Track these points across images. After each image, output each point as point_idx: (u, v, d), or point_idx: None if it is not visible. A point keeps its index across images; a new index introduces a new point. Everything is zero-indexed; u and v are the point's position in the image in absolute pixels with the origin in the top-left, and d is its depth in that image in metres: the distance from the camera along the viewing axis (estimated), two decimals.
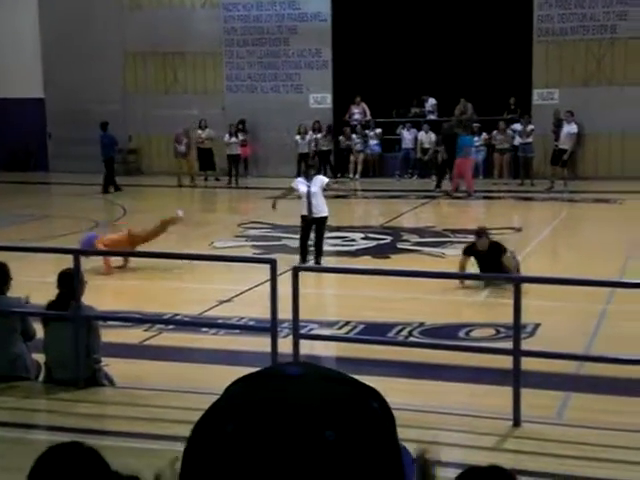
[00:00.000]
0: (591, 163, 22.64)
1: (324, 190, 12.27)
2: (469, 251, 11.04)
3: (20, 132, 26.56)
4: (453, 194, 20.20)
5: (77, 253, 7.45)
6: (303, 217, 12.14)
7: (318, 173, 12.74)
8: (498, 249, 10.81)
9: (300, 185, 12.14)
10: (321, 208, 12.07)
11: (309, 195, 11.95)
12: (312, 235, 12.21)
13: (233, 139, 23.47)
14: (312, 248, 12.22)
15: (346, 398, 0.93)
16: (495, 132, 22.71)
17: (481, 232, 11.11)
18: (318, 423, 0.89)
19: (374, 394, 0.97)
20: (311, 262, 12.02)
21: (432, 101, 24.57)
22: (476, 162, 22.46)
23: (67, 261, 7.45)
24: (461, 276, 10.78)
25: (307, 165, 12.68)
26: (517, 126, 22.49)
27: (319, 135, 23.62)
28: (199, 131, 23.84)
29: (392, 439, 0.95)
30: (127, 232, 12.39)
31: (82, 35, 25.44)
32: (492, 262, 10.43)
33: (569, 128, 21.16)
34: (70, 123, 25.67)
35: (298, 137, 23.43)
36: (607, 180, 21.42)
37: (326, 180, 12.59)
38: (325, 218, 12.21)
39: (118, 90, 25.75)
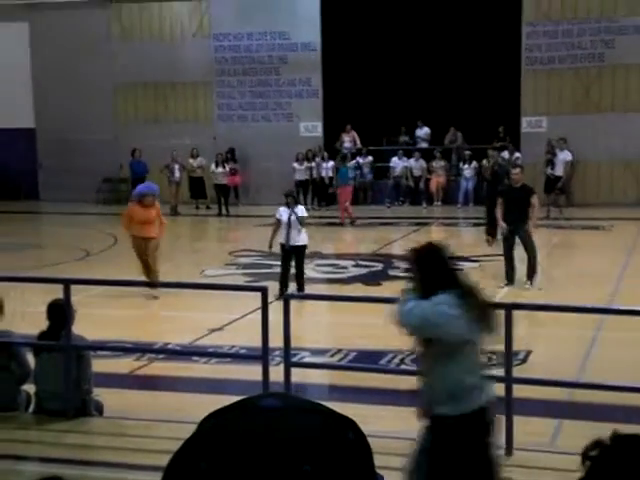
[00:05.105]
0: (579, 190, 22.74)
1: (300, 224, 11.98)
2: (502, 193, 12.48)
3: (11, 161, 26.58)
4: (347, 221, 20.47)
5: (67, 282, 7.40)
6: (282, 245, 12.13)
7: (298, 203, 12.57)
8: (529, 190, 12.34)
9: (283, 213, 12.07)
10: (299, 237, 12.00)
11: (289, 224, 11.92)
12: (293, 264, 12.08)
13: (219, 169, 23.48)
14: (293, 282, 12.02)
15: (322, 430, 0.92)
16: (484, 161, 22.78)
17: (516, 165, 12.59)
18: (294, 457, 0.87)
19: (350, 424, 0.96)
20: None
21: (426, 130, 24.68)
22: (466, 190, 22.93)
23: (57, 291, 7.42)
24: None
25: (287, 195, 12.37)
26: (505, 154, 22.58)
27: (324, 163, 23.50)
28: (190, 160, 23.90)
29: (368, 469, 0.94)
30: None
31: (73, 65, 25.54)
32: (524, 201, 12.16)
33: (564, 155, 21.27)
34: (61, 153, 25.70)
35: (296, 164, 23.44)
36: (595, 207, 21.51)
37: (305, 214, 12.36)
38: (303, 247, 12.14)
39: (109, 120, 25.81)
